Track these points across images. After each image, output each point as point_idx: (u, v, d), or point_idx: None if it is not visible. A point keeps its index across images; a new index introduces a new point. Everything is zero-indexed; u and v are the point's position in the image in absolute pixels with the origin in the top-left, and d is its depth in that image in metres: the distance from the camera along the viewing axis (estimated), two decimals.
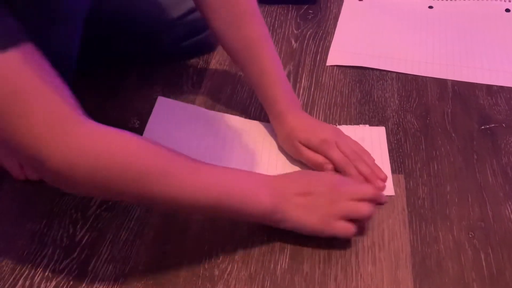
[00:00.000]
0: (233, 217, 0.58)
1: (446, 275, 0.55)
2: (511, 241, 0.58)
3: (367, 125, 0.73)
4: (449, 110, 0.76)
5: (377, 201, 0.60)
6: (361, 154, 0.65)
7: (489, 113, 0.75)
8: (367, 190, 0.59)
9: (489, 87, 0.80)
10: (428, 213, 0.61)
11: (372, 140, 0.71)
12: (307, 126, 0.66)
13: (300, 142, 0.65)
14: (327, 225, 0.56)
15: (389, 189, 0.64)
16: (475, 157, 0.69)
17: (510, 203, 0.62)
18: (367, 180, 0.63)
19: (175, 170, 0.51)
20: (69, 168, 0.46)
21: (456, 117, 0.75)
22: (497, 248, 0.58)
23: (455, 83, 0.81)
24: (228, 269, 0.56)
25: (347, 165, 0.63)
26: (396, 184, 0.65)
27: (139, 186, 0.49)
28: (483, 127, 0.73)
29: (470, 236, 0.59)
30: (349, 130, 0.70)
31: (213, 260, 0.57)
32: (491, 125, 0.73)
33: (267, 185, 0.56)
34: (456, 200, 0.63)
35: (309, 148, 0.65)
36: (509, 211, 0.61)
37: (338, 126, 0.73)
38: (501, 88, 0.80)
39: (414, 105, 0.77)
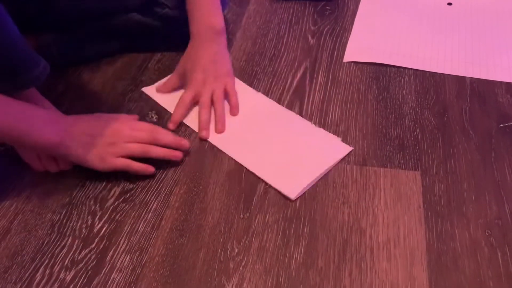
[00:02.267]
0: (19, 144, 0.65)
1: (462, 273, 0.55)
2: None
3: (340, 139, 0.71)
4: (467, 108, 0.75)
5: (158, 143, 0.67)
6: (217, 102, 0.74)
7: (508, 111, 0.74)
8: (142, 135, 0.66)
9: (508, 85, 0.79)
10: (444, 211, 0.61)
11: (327, 148, 0.69)
12: (194, 61, 0.76)
13: (183, 68, 0.77)
14: (105, 161, 0.64)
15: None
16: (493, 155, 0.68)
17: None
18: (204, 130, 0.72)
19: None
20: None
21: (474, 115, 0.74)
22: None
23: (474, 80, 0.80)
24: (243, 262, 0.57)
25: (201, 105, 0.74)
26: (412, 181, 0.65)
27: None
28: (501, 125, 0.72)
29: (487, 234, 0.59)
30: (319, 132, 0.72)
31: (228, 253, 0.58)
32: (510, 123, 0.72)
33: (56, 123, 0.63)
34: (473, 198, 0.62)
35: (192, 81, 0.75)
36: None
37: (314, 125, 0.73)
38: None
39: (432, 102, 0.77)
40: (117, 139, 0.65)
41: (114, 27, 0.84)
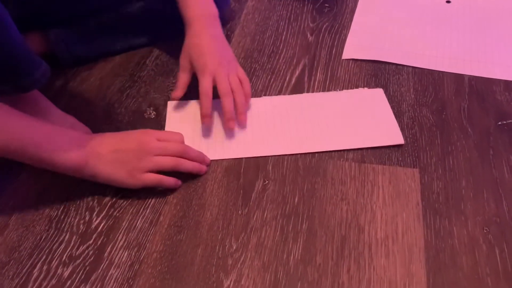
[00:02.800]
0: (44, 166, 0.60)
1: (460, 270, 0.55)
2: None
3: (366, 88, 0.77)
4: (466, 105, 0.75)
5: (187, 156, 0.65)
6: (236, 89, 0.70)
7: (507, 109, 0.75)
8: (172, 147, 0.64)
9: (507, 83, 0.79)
10: (442, 208, 0.61)
11: (372, 101, 0.75)
12: (200, 47, 0.71)
13: (189, 63, 0.72)
14: (134, 178, 0.61)
15: (397, 138, 0.69)
16: (491, 152, 0.68)
17: None
18: (231, 121, 0.69)
19: None
20: None
21: (472, 113, 0.74)
22: None
23: (472, 78, 0.80)
24: (242, 259, 0.57)
25: (223, 94, 0.69)
26: (410, 178, 0.65)
27: None
28: (500, 123, 0.72)
29: (485, 231, 0.59)
30: (347, 94, 0.75)
31: (226, 249, 0.58)
32: (508, 121, 0.73)
33: (79, 143, 0.60)
34: (471, 195, 0.63)
35: (194, 69, 0.71)
36: None
37: (333, 92, 0.77)
38: None
39: (430, 99, 0.77)
40: (145, 153, 0.62)
41: (127, 18, 0.82)
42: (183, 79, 0.73)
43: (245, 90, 0.72)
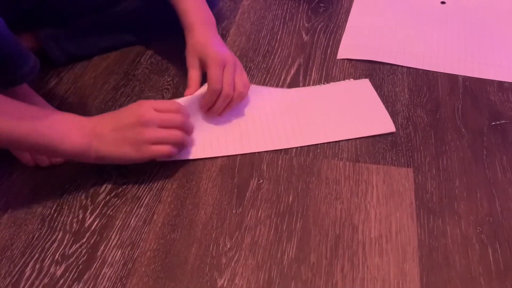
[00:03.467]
0: (48, 153, 0.60)
1: (453, 269, 0.55)
2: None
3: (352, 79, 0.79)
4: (460, 106, 0.76)
5: (186, 128, 0.65)
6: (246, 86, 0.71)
7: (500, 110, 0.75)
8: (172, 118, 0.63)
9: (500, 84, 0.80)
10: (436, 207, 0.61)
11: (359, 91, 0.77)
12: (208, 43, 0.71)
13: (198, 59, 0.71)
14: (141, 151, 0.61)
15: (388, 126, 0.71)
16: (485, 152, 0.68)
17: None
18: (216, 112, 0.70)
19: None
20: None
21: (466, 113, 0.75)
22: (505, 243, 0.58)
23: (466, 78, 0.81)
24: (236, 258, 0.57)
25: (216, 89, 0.68)
26: (404, 177, 0.65)
27: None
28: (493, 123, 0.73)
29: (478, 231, 0.59)
30: (334, 87, 0.77)
31: (220, 248, 0.58)
32: (501, 121, 0.73)
33: (80, 127, 0.59)
34: (465, 195, 0.63)
35: (202, 62, 0.70)
36: None
37: (320, 86, 0.79)
38: None
39: (425, 100, 0.77)
40: (145, 125, 0.61)
41: (117, 17, 0.82)
42: (195, 76, 0.71)
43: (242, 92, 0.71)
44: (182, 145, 0.65)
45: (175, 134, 0.63)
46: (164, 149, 0.62)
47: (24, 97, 0.70)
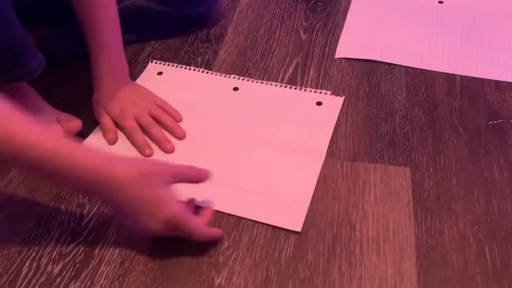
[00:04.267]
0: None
1: (450, 268, 0.55)
2: None
3: (329, 92, 0.77)
4: (457, 105, 0.76)
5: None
6: (160, 116, 0.72)
7: (497, 109, 0.75)
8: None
9: (497, 83, 0.80)
10: (433, 206, 0.62)
11: (327, 106, 0.75)
12: (113, 95, 0.72)
13: (104, 109, 0.72)
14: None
15: (321, 152, 0.68)
16: (482, 152, 0.68)
17: None
18: (169, 129, 0.71)
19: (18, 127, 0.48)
20: None
21: (464, 112, 0.75)
22: (502, 242, 0.58)
23: (464, 78, 0.81)
24: (233, 256, 0.57)
25: (133, 130, 0.70)
26: (402, 176, 0.65)
27: None
28: (490, 123, 0.73)
29: (475, 230, 0.59)
30: (309, 94, 0.76)
31: (218, 246, 0.57)
32: (499, 121, 0.73)
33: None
34: (462, 194, 0.63)
35: (110, 116, 0.71)
36: None
37: (299, 89, 0.78)
38: (510, 84, 0.79)
39: (422, 99, 0.77)
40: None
41: (119, 15, 0.82)
42: (108, 121, 0.71)
43: (169, 112, 0.73)
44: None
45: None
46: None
47: (26, 97, 0.70)
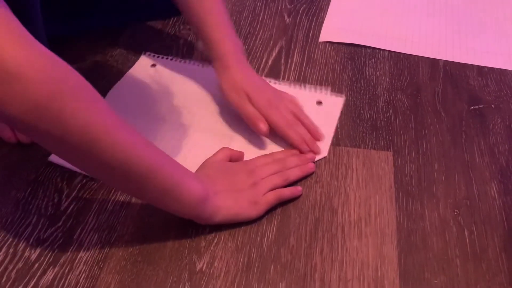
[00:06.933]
0: (161, 200, 0.53)
1: (431, 251, 0.56)
2: (495, 219, 0.59)
3: (329, 91, 0.74)
4: (440, 90, 0.76)
5: (288, 165, 0.62)
6: (301, 118, 0.67)
7: (479, 94, 0.76)
8: (270, 167, 0.61)
9: (479, 68, 0.80)
10: (415, 190, 0.62)
11: (327, 105, 0.72)
12: (254, 82, 0.66)
13: (247, 96, 0.65)
14: (258, 203, 0.57)
15: (323, 151, 0.66)
16: (464, 136, 0.69)
17: (495, 182, 0.63)
18: (304, 144, 0.65)
19: (117, 130, 0.46)
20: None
21: (446, 97, 0.75)
22: (481, 226, 0.58)
23: (447, 63, 0.81)
24: (215, 241, 0.56)
25: (287, 128, 0.65)
26: (384, 161, 0.65)
27: (81, 133, 0.43)
28: (472, 108, 0.73)
29: (455, 213, 0.60)
30: (309, 93, 0.73)
31: (200, 231, 0.57)
32: (480, 106, 0.74)
33: (197, 177, 0.55)
34: (443, 178, 0.63)
35: (252, 103, 0.65)
36: (494, 190, 0.62)
37: (300, 86, 0.75)
38: (492, 69, 0.80)
39: (405, 83, 0.77)
40: (255, 179, 0.59)
41: None
42: (255, 110, 0.65)
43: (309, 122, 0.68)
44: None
45: (276, 177, 0.60)
46: (278, 193, 0.59)
47: None
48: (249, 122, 0.65)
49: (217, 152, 0.62)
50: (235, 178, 0.58)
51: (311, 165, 0.63)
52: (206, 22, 0.67)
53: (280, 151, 0.65)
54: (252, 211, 0.57)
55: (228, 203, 0.56)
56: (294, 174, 0.61)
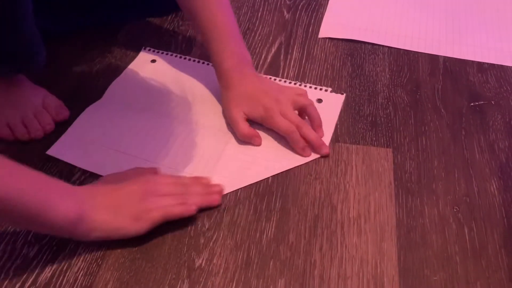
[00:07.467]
0: (29, 223, 0.51)
1: (430, 248, 0.56)
2: (495, 216, 0.59)
3: (330, 89, 0.74)
4: (440, 86, 0.76)
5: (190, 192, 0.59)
6: (308, 110, 0.66)
7: (479, 90, 0.75)
8: (169, 189, 0.57)
9: (479, 65, 0.80)
10: (414, 187, 0.62)
11: (328, 104, 0.72)
12: (253, 94, 0.66)
13: (244, 113, 0.65)
14: (140, 220, 0.54)
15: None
16: (463, 133, 0.69)
17: (495, 179, 0.63)
18: (306, 148, 0.64)
19: None
20: None
21: (446, 93, 0.75)
22: (480, 222, 0.58)
23: (447, 59, 0.81)
24: (214, 238, 0.56)
25: (292, 132, 0.64)
26: (384, 157, 0.65)
27: None
28: (472, 104, 0.73)
29: (455, 210, 0.59)
30: (309, 91, 0.72)
31: (199, 228, 0.57)
32: (480, 102, 0.73)
33: (73, 193, 0.52)
34: (443, 175, 0.63)
35: (253, 119, 0.65)
36: (494, 187, 0.62)
37: (299, 85, 0.74)
38: (492, 65, 0.80)
39: (405, 80, 0.77)
40: (147, 195, 0.55)
41: None
42: (248, 127, 0.66)
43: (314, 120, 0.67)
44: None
45: (170, 198, 0.56)
46: (164, 210, 0.55)
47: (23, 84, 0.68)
48: (244, 140, 0.66)
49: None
50: (122, 192, 0.55)
51: (216, 197, 0.59)
52: (210, 37, 0.67)
53: (191, 177, 0.61)
54: (132, 227, 0.53)
55: (105, 217, 0.52)
56: (193, 200, 0.57)
